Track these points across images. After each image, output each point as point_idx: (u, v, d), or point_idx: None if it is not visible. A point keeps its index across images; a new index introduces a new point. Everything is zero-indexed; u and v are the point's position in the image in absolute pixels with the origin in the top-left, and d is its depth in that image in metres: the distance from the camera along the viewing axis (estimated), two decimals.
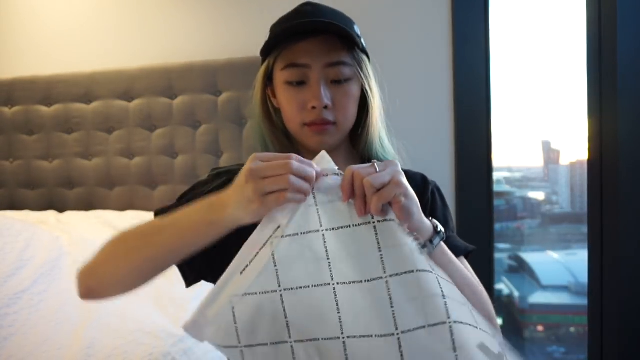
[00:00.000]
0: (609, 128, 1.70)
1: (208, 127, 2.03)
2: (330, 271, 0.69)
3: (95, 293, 0.85)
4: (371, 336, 0.67)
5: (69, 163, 2.15)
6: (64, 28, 2.24)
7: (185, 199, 0.95)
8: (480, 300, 0.82)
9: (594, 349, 1.76)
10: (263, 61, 0.95)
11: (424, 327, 0.66)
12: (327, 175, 0.72)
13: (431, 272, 0.69)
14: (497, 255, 2.01)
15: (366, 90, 0.93)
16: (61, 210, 2.11)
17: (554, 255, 3.26)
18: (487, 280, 1.87)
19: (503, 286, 2.96)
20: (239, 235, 0.92)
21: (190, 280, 0.93)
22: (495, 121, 1.91)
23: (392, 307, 0.67)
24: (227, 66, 2.00)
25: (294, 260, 0.69)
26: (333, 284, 0.69)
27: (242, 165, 0.97)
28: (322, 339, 0.69)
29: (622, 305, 1.68)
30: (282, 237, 0.69)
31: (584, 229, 1.84)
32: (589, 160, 1.76)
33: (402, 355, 0.65)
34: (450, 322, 0.66)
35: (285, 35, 0.88)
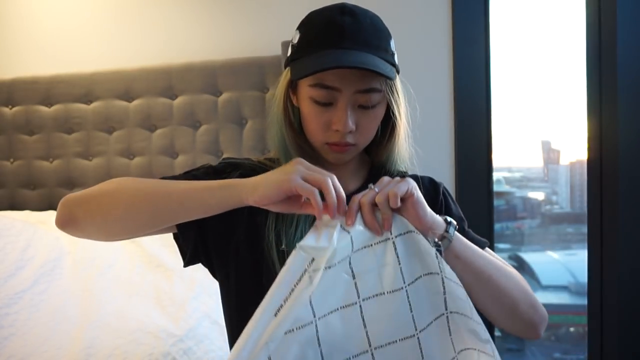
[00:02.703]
0: (609, 128, 1.70)
1: (208, 127, 2.03)
2: (357, 290, 0.72)
3: (76, 224, 0.83)
4: (395, 341, 0.73)
5: (69, 163, 2.15)
6: (64, 28, 2.24)
7: (191, 174, 0.93)
8: (514, 282, 0.87)
9: (594, 349, 1.76)
10: (286, 65, 0.91)
11: (432, 322, 0.75)
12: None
13: (438, 274, 0.75)
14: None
15: (393, 115, 0.91)
16: None
17: (553, 255, 3.25)
18: None
19: None
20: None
21: (187, 260, 0.93)
22: (495, 121, 1.91)
23: (411, 311, 0.73)
24: (226, 66, 2.00)
25: (327, 289, 0.70)
26: (359, 302, 0.72)
27: (251, 159, 0.97)
28: (352, 357, 0.72)
29: (622, 305, 1.68)
30: (325, 269, 0.68)
31: (584, 229, 1.84)
32: (588, 160, 1.76)
33: (421, 351, 0.73)
34: (447, 313, 0.76)
35: (319, 63, 0.83)
